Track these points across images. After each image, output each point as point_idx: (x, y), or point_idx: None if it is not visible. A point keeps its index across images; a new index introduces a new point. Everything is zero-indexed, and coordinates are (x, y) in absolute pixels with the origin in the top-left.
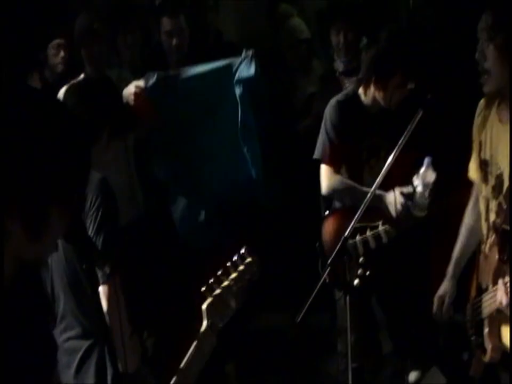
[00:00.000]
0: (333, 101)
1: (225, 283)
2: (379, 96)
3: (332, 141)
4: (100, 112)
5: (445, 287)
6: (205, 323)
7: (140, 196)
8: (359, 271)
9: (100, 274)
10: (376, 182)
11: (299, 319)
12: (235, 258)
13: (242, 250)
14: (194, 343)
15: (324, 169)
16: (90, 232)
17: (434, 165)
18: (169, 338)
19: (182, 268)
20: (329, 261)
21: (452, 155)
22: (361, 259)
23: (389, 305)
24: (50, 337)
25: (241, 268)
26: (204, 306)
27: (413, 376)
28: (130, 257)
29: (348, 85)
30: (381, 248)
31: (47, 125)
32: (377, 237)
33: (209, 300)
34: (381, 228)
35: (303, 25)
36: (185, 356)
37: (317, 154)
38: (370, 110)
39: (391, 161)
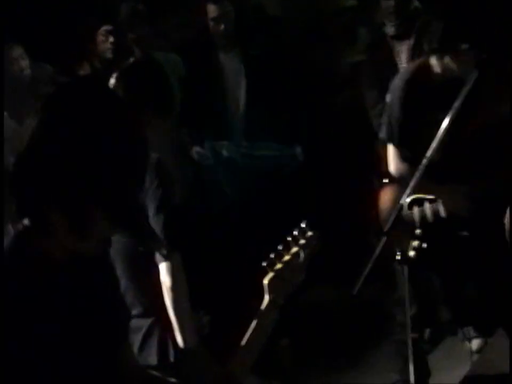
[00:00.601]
0: (400, 81)
1: (286, 257)
2: (453, 65)
3: (400, 122)
4: (148, 94)
5: None
6: (266, 298)
7: (190, 175)
8: (415, 243)
9: (160, 252)
10: (430, 148)
11: (356, 291)
12: (295, 232)
13: (303, 224)
14: (256, 319)
15: (392, 152)
16: (151, 212)
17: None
18: (226, 316)
19: (237, 245)
20: (385, 230)
21: None
22: (418, 231)
23: (449, 274)
24: (120, 308)
25: (302, 242)
26: (266, 281)
27: (475, 344)
28: (187, 235)
29: (399, 49)
30: (440, 222)
31: (97, 116)
32: (435, 211)
33: (270, 274)
34: (440, 201)
35: None
36: (242, 331)
37: (383, 135)
38: (438, 81)
39: (446, 127)
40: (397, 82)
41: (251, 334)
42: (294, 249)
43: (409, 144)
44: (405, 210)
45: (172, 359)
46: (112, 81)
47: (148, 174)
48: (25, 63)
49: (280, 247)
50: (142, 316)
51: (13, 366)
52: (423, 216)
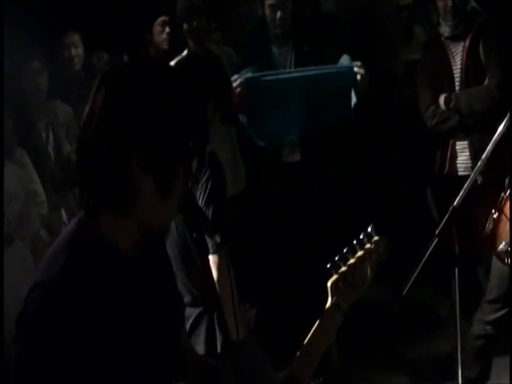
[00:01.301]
0: None
1: (351, 261)
2: None
3: None
4: (206, 86)
5: None
6: (329, 300)
7: (243, 170)
8: None
9: (210, 244)
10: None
11: (404, 292)
12: (361, 236)
13: (369, 229)
14: (318, 321)
15: None
16: (200, 203)
17: None
18: (273, 311)
19: (286, 241)
20: (437, 232)
21: None
22: None
23: None
24: (178, 298)
25: (368, 246)
26: (329, 283)
27: None
28: (236, 228)
29: (454, 50)
30: None
31: (174, 89)
32: None
33: (334, 277)
34: None
35: None
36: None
37: None
38: None
39: (502, 130)
40: None
41: (312, 336)
42: (359, 253)
43: None
44: None
45: (219, 349)
46: None
47: (199, 165)
48: (79, 51)
49: (345, 250)
50: (190, 305)
51: (81, 355)
52: None
